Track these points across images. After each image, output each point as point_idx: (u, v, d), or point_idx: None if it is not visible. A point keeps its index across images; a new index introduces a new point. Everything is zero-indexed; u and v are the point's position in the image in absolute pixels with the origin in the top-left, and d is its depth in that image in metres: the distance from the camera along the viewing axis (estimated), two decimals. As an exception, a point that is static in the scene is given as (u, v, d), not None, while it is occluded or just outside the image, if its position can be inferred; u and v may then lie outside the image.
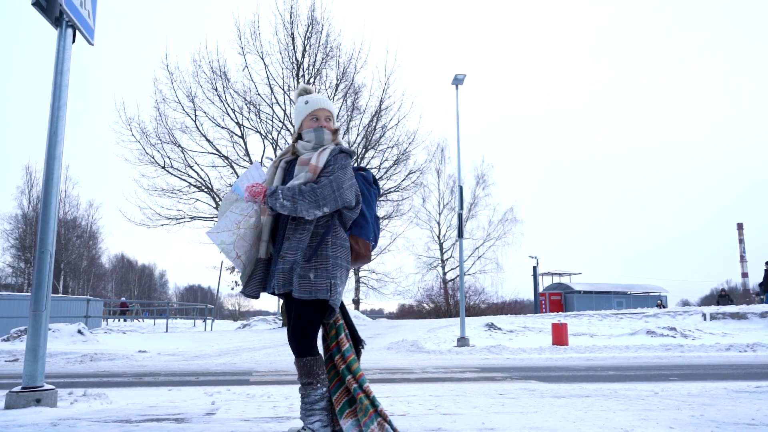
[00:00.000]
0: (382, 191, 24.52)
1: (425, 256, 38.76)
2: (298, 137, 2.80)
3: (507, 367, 8.56)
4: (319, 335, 2.72)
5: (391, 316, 48.90)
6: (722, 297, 23.80)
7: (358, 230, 2.72)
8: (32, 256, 37.21)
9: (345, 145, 2.76)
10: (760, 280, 26.72)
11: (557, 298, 36.47)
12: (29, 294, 8.21)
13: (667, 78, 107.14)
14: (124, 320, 23.77)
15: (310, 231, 2.57)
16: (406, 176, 24.09)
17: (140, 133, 20.47)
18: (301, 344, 2.60)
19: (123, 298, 38.37)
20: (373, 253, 2.88)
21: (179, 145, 20.92)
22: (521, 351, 11.70)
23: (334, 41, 22.36)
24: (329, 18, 22.73)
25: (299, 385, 2.65)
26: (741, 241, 38.12)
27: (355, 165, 2.85)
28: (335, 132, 2.78)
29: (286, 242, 2.60)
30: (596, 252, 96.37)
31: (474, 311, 35.42)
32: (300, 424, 2.77)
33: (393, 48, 64.67)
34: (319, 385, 2.58)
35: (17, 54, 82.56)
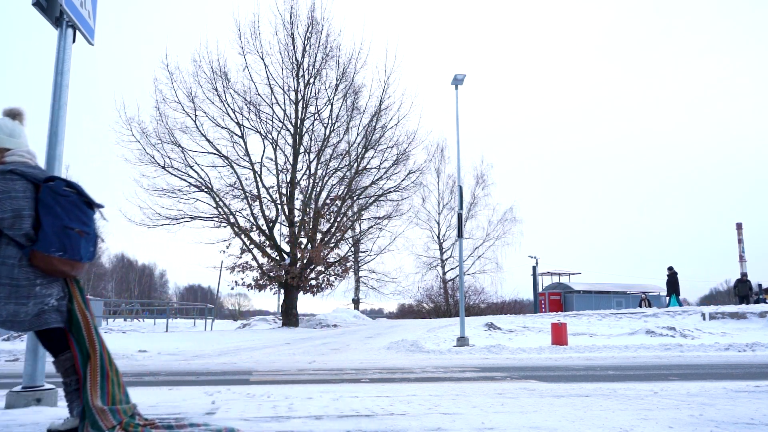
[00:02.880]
0: (381, 191, 24.46)
1: (425, 255, 38.85)
2: None
3: (506, 366, 8.56)
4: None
5: (390, 315, 48.83)
6: (742, 283, 23.59)
7: (36, 244, 2.70)
8: (32, 256, 37.03)
9: (16, 159, 2.82)
10: (761, 281, 26.67)
11: (557, 298, 36.40)
12: (29, 294, 8.18)
13: (667, 79, 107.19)
14: None
15: None
16: (406, 176, 24.08)
17: (140, 133, 20.48)
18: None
19: None
20: (85, 263, 2.93)
21: (179, 145, 20.91)
22: (521, 351, 11.70)
23: (334, 41, 22.41)
24: (329, 18, 22.84)
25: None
26: (740, 241, 38.11)
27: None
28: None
29: None
30: (596, 252, 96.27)
31: (474, 311, 35.42)
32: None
33: (393, 48, 64.76)
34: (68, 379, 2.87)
35: (17, 54, 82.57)
